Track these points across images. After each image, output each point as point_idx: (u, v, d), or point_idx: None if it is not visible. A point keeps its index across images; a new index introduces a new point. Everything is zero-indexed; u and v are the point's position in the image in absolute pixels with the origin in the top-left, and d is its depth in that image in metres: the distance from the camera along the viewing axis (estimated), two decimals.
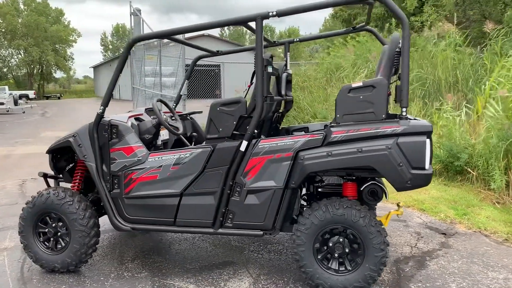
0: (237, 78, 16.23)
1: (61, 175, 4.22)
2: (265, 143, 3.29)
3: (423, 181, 3.05)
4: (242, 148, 3.29)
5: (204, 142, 3.53)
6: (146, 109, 4.32)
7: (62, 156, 4.11)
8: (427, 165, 3.03)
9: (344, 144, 3.13)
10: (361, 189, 3.42)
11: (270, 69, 3.41)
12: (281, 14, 3.18)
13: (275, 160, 3.26)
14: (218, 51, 4.76)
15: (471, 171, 6.45)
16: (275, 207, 3.31)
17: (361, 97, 3.13)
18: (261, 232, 3.37)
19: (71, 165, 4.17)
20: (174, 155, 3.47)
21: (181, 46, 10.73)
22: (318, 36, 5.17)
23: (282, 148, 3.25)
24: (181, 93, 4.91)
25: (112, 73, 3.68)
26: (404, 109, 3.07)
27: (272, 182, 3.28)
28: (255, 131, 3.35)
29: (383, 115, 3.12)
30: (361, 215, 3.18)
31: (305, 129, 4.60)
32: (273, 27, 79.27)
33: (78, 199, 3.64)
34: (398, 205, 3.78)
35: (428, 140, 3.02)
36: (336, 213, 3.19)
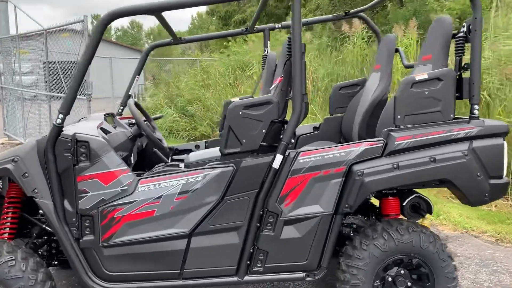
0: (125, 74, 14.60)
1: None
2: (307, 156, 2.47)
3: (501, 192, 2.57)
4: (276, 164, 2.43)
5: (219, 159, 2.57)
6: (105, 115, 3.12)
7: None
8: (504, 173, 2.53)
9: (410, 152, 2.48)
10: (403, 204, 2.81)
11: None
12: None
13: (322, 178, 2.47)
14: (180, 38, 3.72)
15: None
16: (322, 239, 2.52)
17: (426, 92, 2.50)
18: (303, 274, 2.56)
19: None
20: (179, 180, 2.44)
21: (43, 38, 9.06)
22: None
23: (331, 162, 2.47)
24: (130, 93, 3.76)
25: None
26: (476, 107, 2.53)
27: (318, 207, 2.49)
28: (292, 141, 2.51)
29: (451, 115, 2.54)
30: (430, 239, 2.56)
31: None
32: (140, 23, 75.93)
33: (22, 255, 2.39)
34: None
35: (505, 143, 2.52)
36: (401, 240, 2.53)
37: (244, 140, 2.47)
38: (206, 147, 3.81)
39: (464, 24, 2.58)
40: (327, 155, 2.48)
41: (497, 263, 3.74)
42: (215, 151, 3.12)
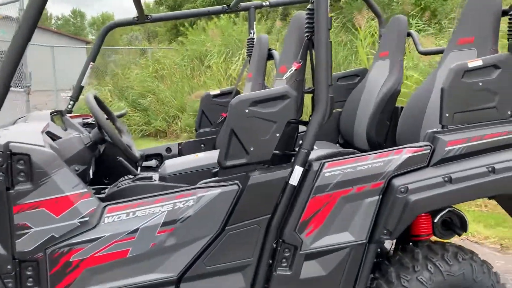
0: (68, 65, 13.35)
1: None
2: (335, 168, 1.87)
3: None
4: (294, 180, 1.81)
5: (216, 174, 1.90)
6: (52, 113, 2.34)
7: None
8: None
9: (463, 161, 1.94)
10: (435, 220, 2.28)
11: None
12: None
13: (354, 197, 1.88)
14: (147, 15, 2.98)
15: None
16: (352, 276, 1.94)
17: (480, 83, 1.97)
18: None
19: None
20: (163, 206, 1.75)
21: None
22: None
23: (367, 175, 1.88)
24: (82, 84, 2.98)
25: None
26: None
27: (348, 235, 1.90)
28: (315, 148, 1.90)
29: (509, 112, 2.03)
30: (484, 270, 2.05)
31: None
32: (83, 12, 72.31)
33: None
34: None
35: None
36: (450, 271, 1.98)
37: (251, 148, 1.81)
38: (179, 151, 3.12)
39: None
40: (361, 166, 1.88)
41: None
42: (198, 160, 2.44)
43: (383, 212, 1.89)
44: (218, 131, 3.17)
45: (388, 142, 2.93)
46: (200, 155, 2.50)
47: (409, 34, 2.98)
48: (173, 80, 10.71)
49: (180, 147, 3.13)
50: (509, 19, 2.09)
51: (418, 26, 7.55)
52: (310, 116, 1.91)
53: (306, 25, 1.90)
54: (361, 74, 3.26)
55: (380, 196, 1.90)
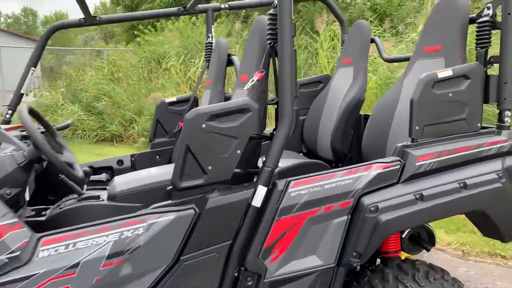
0: (19, 66, 12.65)
1: None
2: (301, 187, 1.72)
3: None
4: (257, 201, 1.65)
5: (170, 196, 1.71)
6: None
7: None
8: None
9: (434, 176, 1.84)
10: (403, 236, 2.19)
11: None
12: None
13: (322, 218, 1.74)
14: (96, 17, 2.72)
15: None
16: None
17: (450, 94, 1.87)
18: None
19: None
20: (108, 236, 1.54)
21: None
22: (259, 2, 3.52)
23: (335, 194, 1.74)
24: (22, 91, 2.69)
25: None
26: (508, 113, 1.96)
27: (316, 260, 1.76)
28: (280, 165, 1.74)
29: (478, 124, 1.95)
30: None
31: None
32: (35, 10, 69.33)
33: None
34: None
35: None
36: None
37: (210, 167, 1.63)
38: (132, 164, 2.88)
39: (488, 5, 1.98)
40: (328, 184, 1.74)
41: (476, 284, 3.32)
42: (151, 176, 2.23)
43: (352, 233, 1.76)
44: (175, 141, 2.96)
45: (352, 151, 2.83)
46: (153, 170, 2.29)
47: (372, 41, 2.89)
48: (129, 83, 10.36)
49: (132, 159, 2.90)
50: (478, 27, 2.02)
51: (375, 32, 7.60)
52: (274, 130, 1.76)
53: (269, 32, 1.75)
54: (324, 81, 3.15)
55: (349, 216, 1.76)
